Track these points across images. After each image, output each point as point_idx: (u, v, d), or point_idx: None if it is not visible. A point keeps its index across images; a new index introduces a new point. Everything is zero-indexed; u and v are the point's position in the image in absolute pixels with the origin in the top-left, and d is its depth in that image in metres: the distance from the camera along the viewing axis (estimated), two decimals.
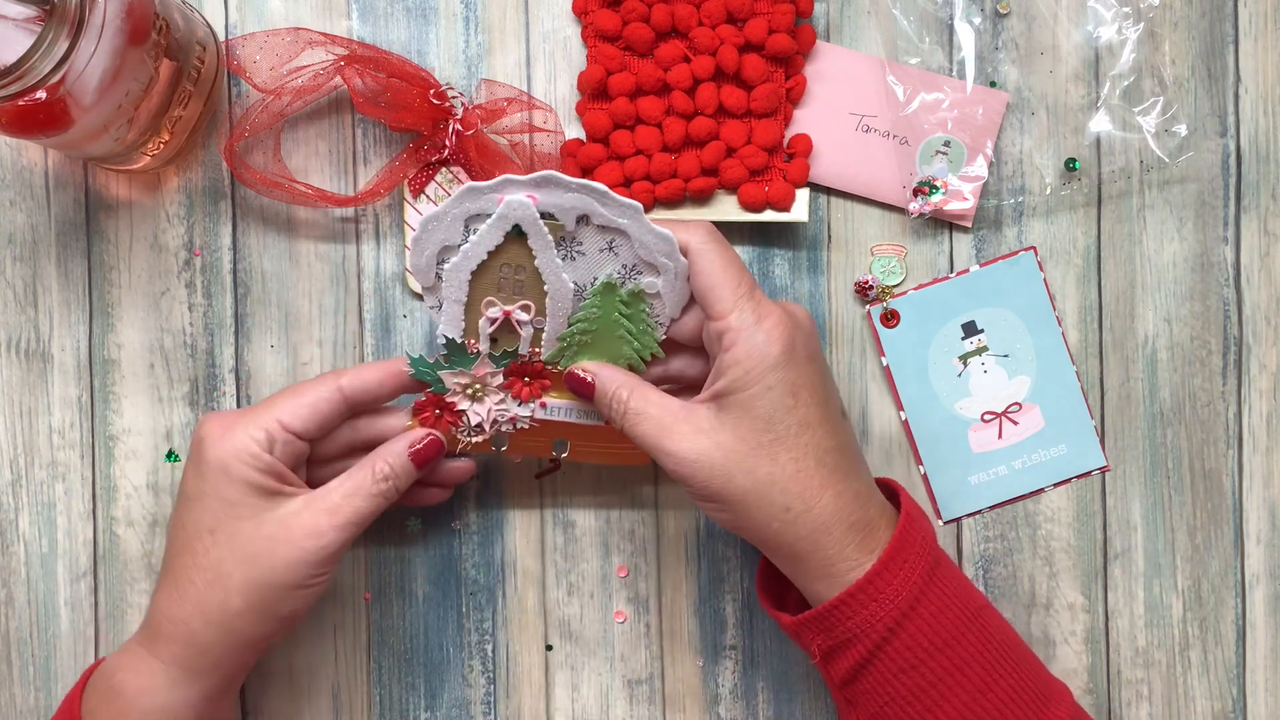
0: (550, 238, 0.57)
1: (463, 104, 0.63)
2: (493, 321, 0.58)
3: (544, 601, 0.66)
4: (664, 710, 0.66)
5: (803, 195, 0.64)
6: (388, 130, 0.65)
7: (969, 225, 0.66)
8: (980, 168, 0.65)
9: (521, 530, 0.66)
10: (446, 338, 0.58)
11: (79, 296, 0.65)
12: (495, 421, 0.60)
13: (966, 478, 0.66)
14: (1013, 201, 0.66)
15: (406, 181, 0.64)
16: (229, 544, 0.55)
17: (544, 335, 0.59)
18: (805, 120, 0.65)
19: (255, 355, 0.66)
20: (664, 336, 0.59)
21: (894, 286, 0.66)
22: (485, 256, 0.57)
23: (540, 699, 0.66)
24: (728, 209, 0.65)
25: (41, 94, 0.51)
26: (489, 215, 0.56)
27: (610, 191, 0.56)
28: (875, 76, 0.65)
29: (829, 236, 0.66)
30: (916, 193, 0.65)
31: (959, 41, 0.66)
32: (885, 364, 0.66)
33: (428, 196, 0.64)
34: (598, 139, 0.64)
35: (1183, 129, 0.66)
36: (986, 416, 0.66)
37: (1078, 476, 0.66)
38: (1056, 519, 0.66)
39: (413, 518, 0.66)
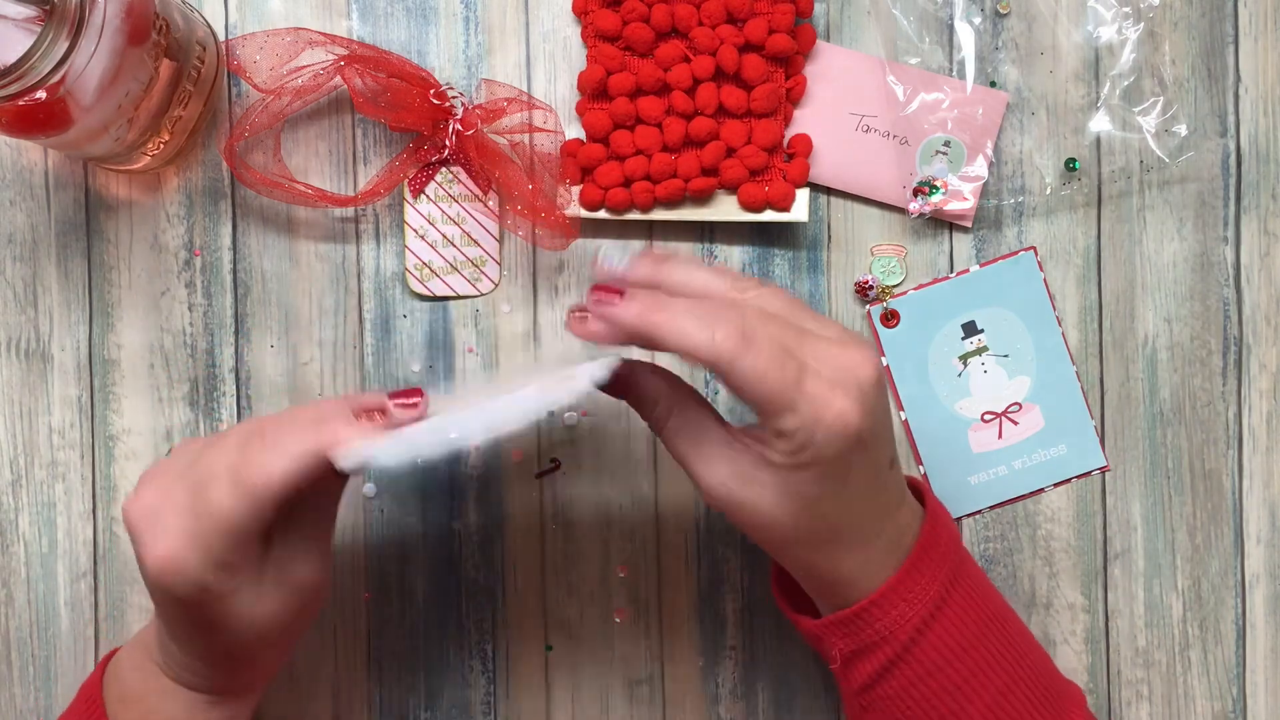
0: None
1: (463, 104, 0.63)
2: None
3: (544, 601, 0.66)
4: (664, 710, 0.66)
5: (803, 195, 0.64)
6: (388, 130, 0.65)
7: (969, 225, 0.66)
8: (980, 168, 0.65)
9: (521, 530, 0.66)
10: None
11: (79, 296, 0.65)
12: None
13: (966, 478, 0.66)
14: (1013, 201, 0.66)
15: (406, 181, 0.64)
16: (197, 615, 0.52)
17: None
18: (805, 120, 0.65)
19: (255, 355, 0.65)
20: None
21: (894, 286, 0.66)
22: None
23: (540, 699, 0.66)
24: (728, 209, 0.65)
25: (41, 94, 0.51)
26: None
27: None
28: (875, 76, 0.65)
29: (829, 236, 0.66)
30: (916, 193, 0.65)
31: (959, 41, 0.66)
32: (885, 364, 0.66)
33: (428, 196, 0.64)
34: (598, 139, 0.64)
35: (1183, 129, 0.66)
36: (986, 416, 0.66)
37: (1078, 476, 0.66)
38: (1056, 519, 0.66)
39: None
